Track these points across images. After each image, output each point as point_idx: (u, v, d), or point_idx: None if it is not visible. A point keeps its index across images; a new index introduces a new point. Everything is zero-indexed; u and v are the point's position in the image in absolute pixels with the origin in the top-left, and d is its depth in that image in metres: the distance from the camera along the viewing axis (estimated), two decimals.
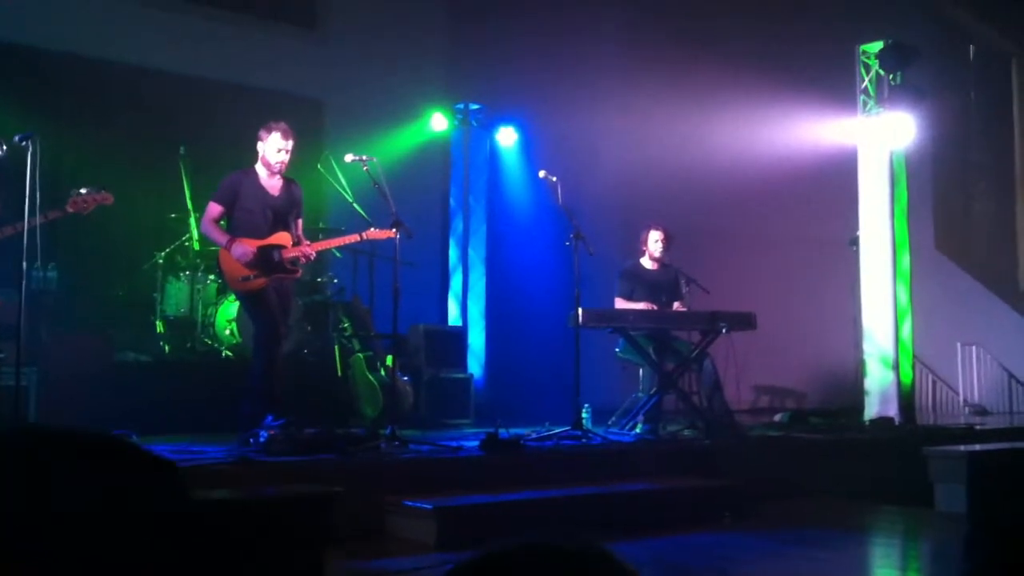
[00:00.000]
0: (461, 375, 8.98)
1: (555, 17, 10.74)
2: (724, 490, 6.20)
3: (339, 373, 7.60)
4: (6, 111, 7.23)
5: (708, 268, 8.37)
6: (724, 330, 7.42)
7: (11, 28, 8.20)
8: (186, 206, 7.92)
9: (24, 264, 5.17)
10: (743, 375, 8.28)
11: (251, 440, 5.69)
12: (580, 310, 6.96)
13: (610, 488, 5.92)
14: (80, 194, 5.61)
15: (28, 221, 5.16)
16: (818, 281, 11.66)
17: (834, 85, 10.14)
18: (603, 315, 7.37)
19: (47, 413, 6.40)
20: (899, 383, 9.01)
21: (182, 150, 8.09)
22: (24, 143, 5.25)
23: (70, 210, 5.59)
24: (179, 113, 8.70)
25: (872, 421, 8.78)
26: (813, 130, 10.28)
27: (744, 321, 7.60)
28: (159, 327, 7.80)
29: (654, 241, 7.92)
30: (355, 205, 6.77)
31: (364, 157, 6.43)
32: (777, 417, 9.02)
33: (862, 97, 9.58)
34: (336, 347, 7.73)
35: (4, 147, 5.35)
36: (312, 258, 6.29)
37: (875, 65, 9.49)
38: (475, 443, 6.22)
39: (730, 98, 10.96)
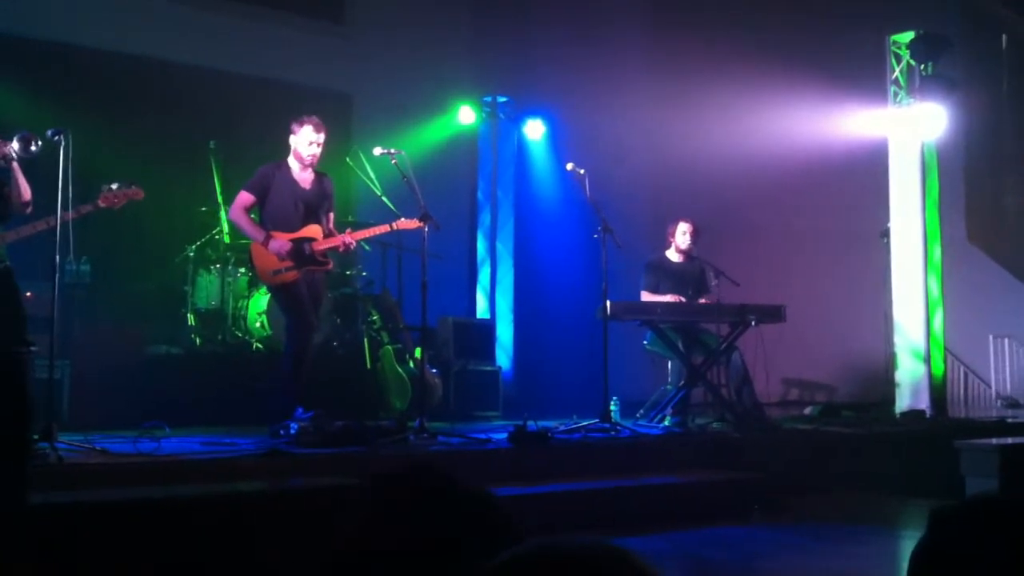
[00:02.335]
0: (489, 368, 8.99)
1: (583, 8, 10.71)
2: (753, 484, 6.18)
3: (368, 365, 7.63)
4: (38, 107, 7.30)
5: (736, 261, 8.32)
6: (753, 323, 7.39)
7: (43, 24, 8.28)
8: (216, 200, 8.00)
9: (57, 258, 5.22)
10: (772, 368, 8.23)
11: (281, 432, 5.73)
12: (608, 303, 6.96)
13: (638, 481, 5.92)
14: (111, 189, 5.65)
15: (60, 216, 5.21)
16: (848, 273, 11.58)
17: (864, 76, 10.06)
18: (632, 308, 7.36)
19: (79, 406, 6.48)
20: (930, 376, 8.95)
21: (212, 144, 8.15)
22: (56, 138, 5.29)
23: (101, 205, 5.62)
24: (209, 108, 8.78)
25: (903, 414, 8.72)
26: (843, 122, 10.20)
27: (773, 314, 7.57)
28: (190, 320, 7.87)
29: (682, 233, 7.90)
30: (384, 198, 6.79)
31: (392, 150, 6.46)
32: (807, 410, 8.98)
33: (893, 88, 9.50)
34: (365, 340, 7.76)
35: (39, 143, 5.39)
36: (352, 247, 6.33)
37: (906, 55, 9.41)
38: (504, 436, 6.23)
39: (759, 90, 10.88)
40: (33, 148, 5.36)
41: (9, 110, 6.96)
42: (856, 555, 5.20)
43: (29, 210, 5.53)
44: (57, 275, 5.23)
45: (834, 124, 10.36)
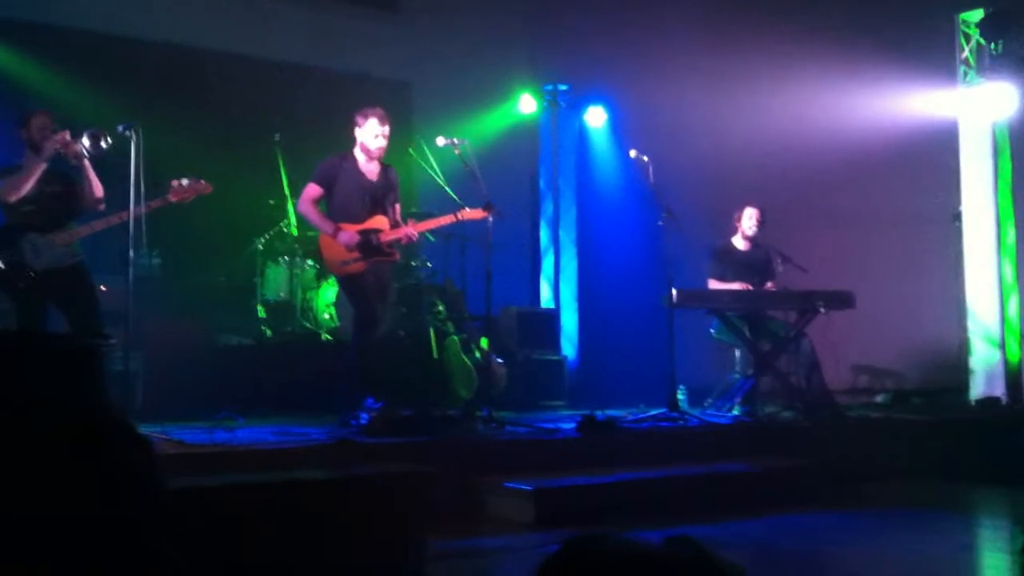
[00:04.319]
0: (554, 357, 8.99)
1: None
2: (823, 472, 6.10)
3: (434, 355, 7.67)
4: (106, 102, 7.44)
5: (802, 246, 8.21)
6: (822, 309, 7.28)
7: (110, 19, 8.42)
8: (283, 192, 8.09)
9: (131, 252, 5.32)
10: (840, 355, 8.12)
11: (351, 422, 5.79)
12: (674, 290, 6.90)
13: (707, 470, 5.88)
14: (181, 184, 5.74)
15: (132, 210, 5.31)
16: (918, 258, 11.33)
17: (932, 56, 9.83)
18: (697, 295, 7.30)
19: (152, 397, 6.60)
20: (1006, 362, 8.74)
21: (277, 137, 8.25)
22: (127, 132, 5.38)
23: (171, 199, 5.71)
24: (273, 100, 8.87)
25: (978, 401, 8.54)
26: (911, 103, 9.99)
27: (842, 300, 7.45)
28: (260, 311, 7.97)
29: (748, 219, 7.82)
30: (446, 188, 6.81)
31: (455, 140, 6.47)
32: (877, 398, 8.84)
33: (962, 67, 9.28)
34: (431, 329, 7.80)
35: (108, 139, 5.49)
36: (415, 238, 6.37)
37: (975, 34, 9.19)
38: (571, 425, 6.22)
39: (823, 71, 10.68)
40: (103, 144, 5.47)
41: (78, 105, 7.09)
42: (928, 542, 5.11)
43: (102, 207, 5.66)
44: (130, 268, 5.33)
45: (901, 105, 10.14)
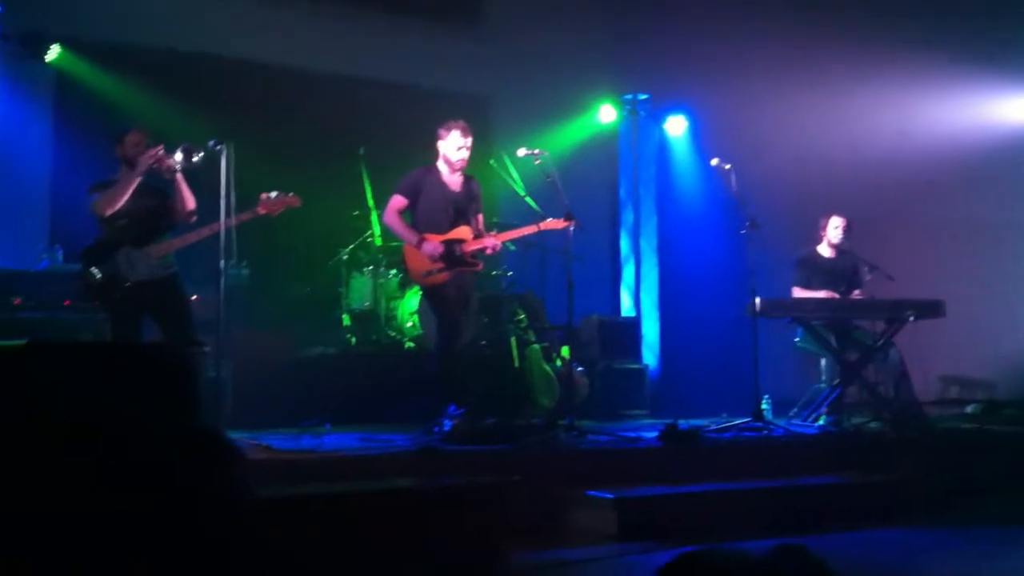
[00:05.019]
0: (636, 366, 8.97)
1: (721, 0, 10.55)
2: (912, 485, 5.97)
3: (516, 364, 7.71)
4: (197, 118, 7.65)
5: (888, 254, 8.06)
6: (911, 318, 7.15)
7: (200, 39, 8.67)
8: (367, 204, 8.23)
9: (222, 263, 5.46)
10: (929, 365, 7.95)
11: (435, 429, 5.86)
12: (758, 299, 6.84)
13: (793, 481, 5.79)
14: (270, 197, 5.87)
15: (223, 222, 5.45)
16: (1008, 265, 11.05)
17: (1019, 62, 9.59)
18: (782, 304, 7.22)
19: (241, 404, 6.76)
20: None
21: (362, 151, 8.39)
22: (217, 148, 5.53)
23: (261, 212, 5.84)
24: (357, 115, 9.02)
25: None
26: (998, 109, 9.76)
27: (932, 309, 7.29)
28: (345, 320, 8.11)
29: (834, 228, 7.73)
30: (527, 199, 6.85)
31: (536, 151, 6.51)
32: (968, 409, 8.60)
33: None
34: (513, 339, 7.85)
35: (201, 153, 5.65)
36: (498, 249, 6.43)
37: None
38: (653, 434, 6.19)
39: (908, 78, 10.50)
40: (195, 159, 5.63)
41: (169, 123, 7.29)
42: (1019, 558, 4.97)
43: (194, 219, 5.82)
44: (221, 279, 5.47)
45: (989, 112, 9.93)
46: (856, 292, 7.70)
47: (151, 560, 3.05)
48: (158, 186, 5.77)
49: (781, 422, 6.95)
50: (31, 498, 2.95)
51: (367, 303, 8.03)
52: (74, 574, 2.97)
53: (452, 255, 6.21)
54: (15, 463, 3.06)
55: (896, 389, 7.33)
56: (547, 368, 7.79)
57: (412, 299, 7.80)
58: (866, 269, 7.66)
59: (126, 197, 5.60)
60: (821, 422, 7.23)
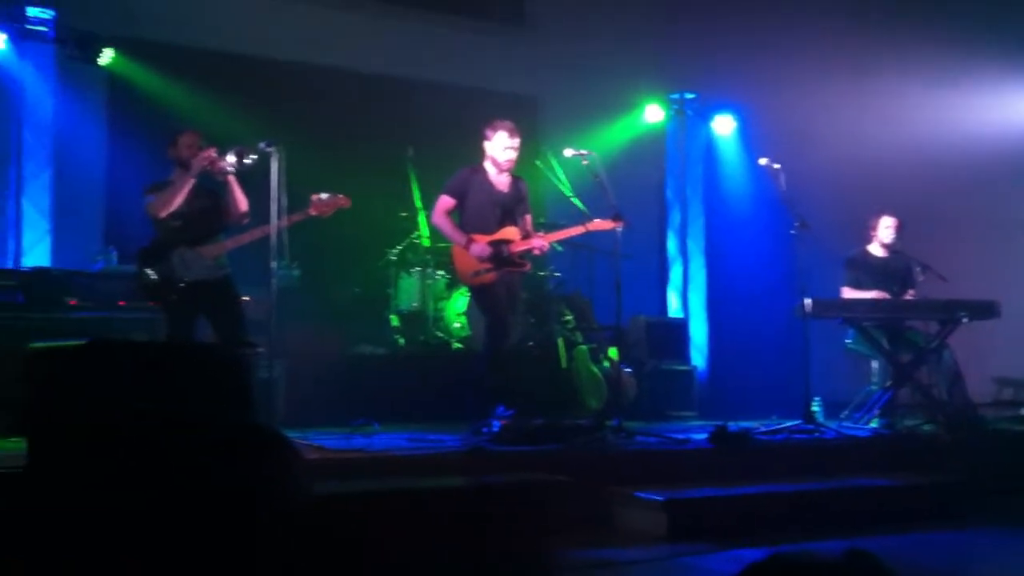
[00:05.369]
0: (684, 367, 8.94)
1: None
2: (966, 487, 5.88)
3: (563, 365, 7.71)
4: (248, 120, 7.74)
5: (941, 254, 7.96)
6: (964, 319, 7.04)
7: (250, 41, 8.77)
8: (415, 205, 8.27)
9: (273, 264, 5.52)
10: (983, 366, 7.83)
11: (483, 430, 5.87)
12: (808, 300, 6.77)
13: (845, 484, 5.73)
14: (321, 198, 5.92)
15: (275, 224, 5.50)
16: None
17: None
18: (832, 305, 7.15)
19: (292, 403, 6.83)
20: None
21: (410, 151, 8.44)
22: (269, 149, 5.59)
23: (312, 213, 5.90)
24: (404, 116, 9.08)
25: None
26: None
27: (986, 310, 7.19)
28: (393, 321, 8.16)
29: (885, 227, 7.64)
30: (574, 199, 6.84)
31: (584, 151, 6.50)
32: (1023, 411, 8.47)
33: None
34: (560, 339, 7.85)
35: (252, 156, 5.71)
36: (545, 249, 6.44)
37: None
38: (702, 435, 6.16)
39: (960, 75, 10.35)
40: (247, 161, 5.70)
41: (221, 125, 7.38)
42: None
43: (246, 220, 5.89)
44: (273, 280, 5.53)
45: None
46: (908, 293, 7.61)
47: (207, 557, 3.09)
48: (211, 187, 5.85)
49: (832, 424, 6.88)
50: (94, 494, 3.00)
51: (415, 304, 8.07)
52: (132, 569, 3.02)
53: (500, 256, 6.22)
54: (76, 459, 3.12)
55: (950, 391, 7.24)
56: (595, 369, 7.79)
57: (460, 300, 7.83)
58: (918, 269, 7.56)
59: (180, 199, 5.68)
60: (873, 425, 7.15)
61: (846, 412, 7.60)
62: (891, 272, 7.65)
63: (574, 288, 8.43)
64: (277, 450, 3.15)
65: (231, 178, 5.77)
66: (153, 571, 3.00)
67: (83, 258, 7.55)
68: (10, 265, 7.51)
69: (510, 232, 6.29)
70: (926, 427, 7.01)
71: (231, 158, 5.71)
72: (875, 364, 7.77)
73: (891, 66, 10.24)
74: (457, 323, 7.85)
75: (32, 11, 7.78)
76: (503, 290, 6.26)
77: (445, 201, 6.32)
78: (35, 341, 3.55)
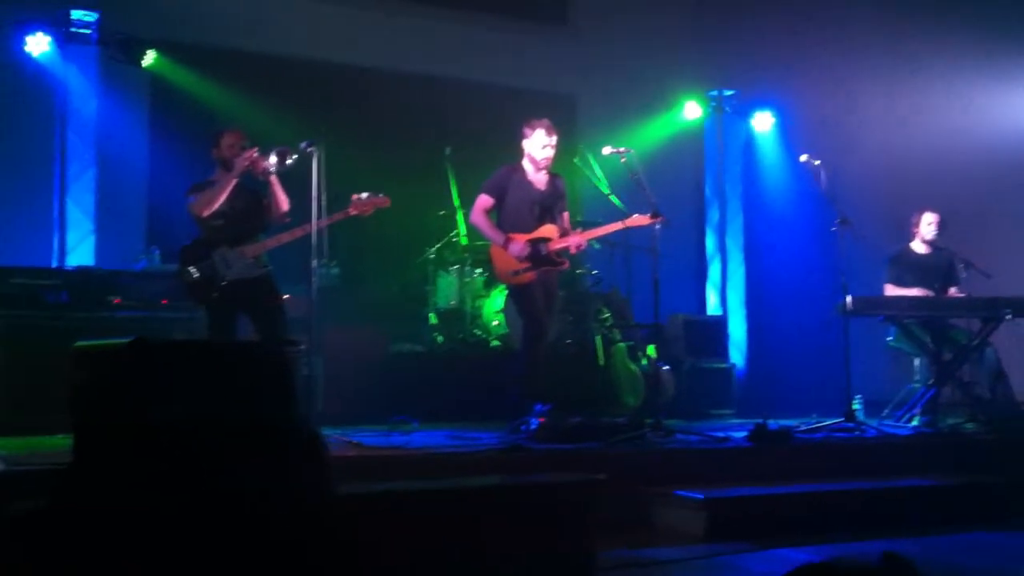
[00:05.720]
0: (722, 365, 8.90)
1: None
2: (1010, 487, 5.81)
3: (601, 363, 7.71)
4: (287, 120, 7.80)
5: (984, 251, 7.87)
6: (1008, 316, 6.95)
7: (290, 43, 8.86)
8: (453, 203, 8.30)
9: (314, 262, 5.56)
10: None
11: (521, 428, 5.88)
12: (849, 298, 6.72)
13: (887, 483, 5.68)
14: (361, 198, 5.96)
15: (315, 223, 5.55)
16: None
17: None
18: (874, 302, 7.09)
19: (331, 400, 6.88)
20: None
21: (448, 150, 8.48)
22: (309, 149, 5.63)
23: (352, 212, 5.93)
24: (443, 115, 9.13)
25: None
26: None
27: None
28: (432, 319, 8.20)
29: (927, 224, 7.56)
30: (611, 197, 6.83)
31: (622, 149, 6.48)
32: None
33: None
34: (598, 337, 7.85)
35: (294, 156, 5.75)
36: (583, 247, 6.43)
37: None
38: (742, 434, 6.13)
39: (1002, 71, 10.21)
40: (288, 161, 5.74)
41: (262, 125, 7.44)
42: None
43: (287, 220, 5.94)
44: (313, 278, 5.57)
45: None
46: (951, 290, 7.52)
47: (244, 556, 3.13)
48: (253, 187, 5.90)
49: (873, 423, 6.82)
50: (138, 491, 3.04)
51: (453, 302, 8.11)
52: (173, 568, 3.06)
53: (537, 254, 6.23)
54: (121, 457, 3.17)
55: (992, 389, 7.15)
56: (632, 367, 7.77)
57: (497, 298, 7.85)
58: (961, 266, 7.48)
59: (223, 198, 5.74)
60: (915, 423, 7.08)
61: (887, 410, 7.53)
62: (933, 269, 7.57)
63: (611, 286, 8.43)
64: (316, 452, 3.18)
65: (274, 178, 5.83)
66: (192, 570, 3.03)
67: (126, 257, 7.66)
68: (55, 264, 7.64)
69: (548, 230, 6.29)
70: (968, 426, 6.93)
71: (273, 159, 5.76)
72: (917, 362, 7.69)
73: (933, 60, 10.12)
74: (495, 321, 7.87)
75: (76, 14, 7.91)
76: (541, 288, 6.26)
77: (483, 200, 6.34)
78: (79, 340, 3.59)
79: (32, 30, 7.79)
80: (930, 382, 7.26)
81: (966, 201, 9.42)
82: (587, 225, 7.02)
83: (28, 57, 7.81)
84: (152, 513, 3.04)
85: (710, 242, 10.59)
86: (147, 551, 3.03)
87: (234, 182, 5.76)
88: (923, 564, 4.55)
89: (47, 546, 2.98)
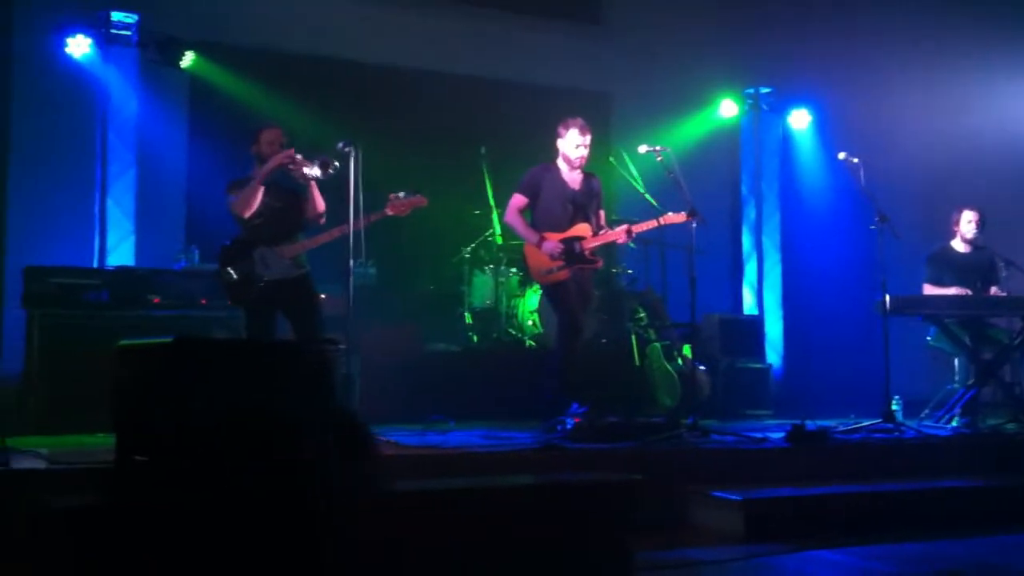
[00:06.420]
0: (759, 365, 8.86)
1: None
2: None
3: (637, 362, 7.69)
4: (324, 120, 7.86)
5: None
6: None
7: (328, 42, 8.91)
8: (488, 203, 8.32)
9: (351, 262, 5.59)
10: None
11: (557, 427, 5.88)
12: (888, 297, 6.66)
13: (926, 484, 5.62)
14: (398, 197, 5.97)
15: (352, 223, 5.57)
16: None
17: None
18: (913, 302, 7.02)
19: (368, 399, 6.90)
20: None
21: (483, 150, 8.49)
22: (347, 149, 5.65)
23: (389, 212, 5.95)
24: (478, 115, 9.14)
25: None
26: None
27: None
28: (467, 318, 8.23)
29: (967, 222, 7.47)
30: (647, 195, 6.81)
31: (657, 147, 6.46)
32: None
33: None
34: (633, 337, 7.83)
35: (336, 166, 5.75)
36: (633, 236, 6.36)
37: None
38: (779, 434, 6.09)
39: None
40: (330, 171, 5.78)
41: (298, 124, 7.49)
42: None
43: (322, 220, 5.97)
44: (350, 278, 5.60)
45: None
46: (992, 289, 7.43)
47: (290, 552, 3.16)
48: (292, 187, 5.93)
49: (912, 424, 6.75)
50: (181, 489, 3.08)
51: (488, 301, 8.13)
52: (215, 564, 3.09)
53: (572, 253, 6.22)
54: (164, 455, 3.21)
55: None
56: (668, 367, 7.75)
57: (532, 297, 7.86)
58: (1002, 265, 7.38)
59: (260, 196, 5.77)
60: (955, 424, 7.00)
61: (926, 411, 7.45)
62: (974, 268, 7.48)
63: (646, 285, 8.40)
64: (361, 448, 3.20)
65: (311, 182, 5.86)
66: (237, 566, 3.07)
67: (166, 257, 7.74)
68: (95, 264, 7.74)
69: (582, 229, 6.28)
70: (1009, 427, 6.85)
71: (316, 171, 5.79)
72: (957, 362, 7.60)
73: (972, 58, 10.01)
74: (530, 320, 7.88)
75: (116, 16, 8.01)
76: (575, 287, 6.25)
77: (518, 199, 6.34)
78: (120, 339, 3.63)
79: (73, 32, 7.90)
80: (970, 382, 7.18)
81: (1006, 199, 9.31)
82: (621, 224, 7.00)
83: (69, 59, 7.92)
84: (194, 510, 3.08)
85: (746, 241, 10.53)
86: (191, 547, 3.07)
87: (268, 175, 5.78)
88: (967, 566, 4.53)
89: (97, 541, 3.02)
